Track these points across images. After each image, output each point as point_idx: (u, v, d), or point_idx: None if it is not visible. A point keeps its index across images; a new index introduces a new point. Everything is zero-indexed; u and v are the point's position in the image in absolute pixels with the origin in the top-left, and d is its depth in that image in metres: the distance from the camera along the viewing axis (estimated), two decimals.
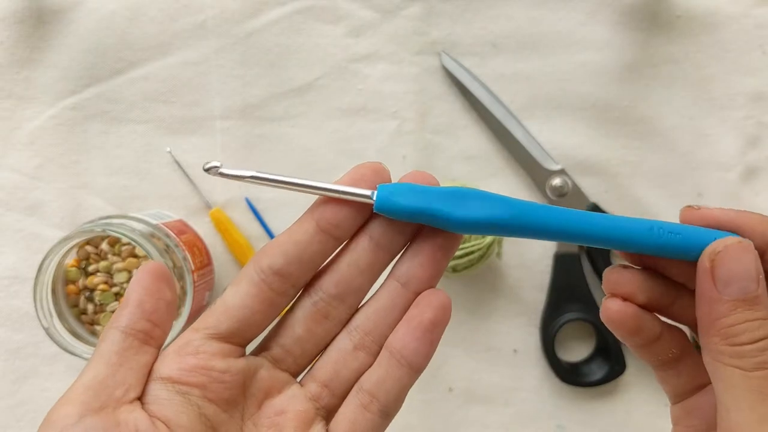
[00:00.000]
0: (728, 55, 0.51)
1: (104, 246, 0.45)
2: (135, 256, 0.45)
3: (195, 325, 0.24)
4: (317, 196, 0.25)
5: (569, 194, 0.50)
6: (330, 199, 0.25)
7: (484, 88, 0.51)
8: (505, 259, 0.51)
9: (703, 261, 0.24)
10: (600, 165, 0.51)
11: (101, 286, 0.45)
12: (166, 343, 0.26)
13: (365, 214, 0.25)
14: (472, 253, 0.46)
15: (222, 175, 0.25)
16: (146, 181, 0.52)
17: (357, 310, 0.26)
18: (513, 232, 0.25)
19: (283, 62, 0.51)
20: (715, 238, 0.24)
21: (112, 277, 0.45)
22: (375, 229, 0.25)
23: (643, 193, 0.51)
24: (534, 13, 0.51)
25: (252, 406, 0.25)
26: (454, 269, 0.47)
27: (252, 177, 0.25)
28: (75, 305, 0.45)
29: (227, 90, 0.51)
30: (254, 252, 0.51)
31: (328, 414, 0.26)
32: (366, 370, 0.26)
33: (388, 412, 0.26)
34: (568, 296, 0.50)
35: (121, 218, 0.44)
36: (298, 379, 0.26)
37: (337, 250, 0.26)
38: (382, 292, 0.26)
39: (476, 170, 0.52)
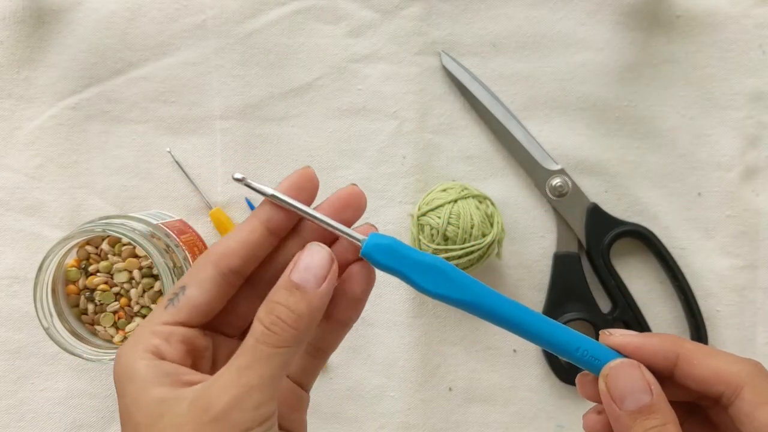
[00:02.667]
0: (728, 55, 0.51)
1: (104, 246, 0.45)
2: (135, 256, 0.45)
3: (165, 319, 0.28)
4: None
5: (569, 194, 0.51)
6: (276, 205, 0.28)
7: (484, 88, 0.51)
8: (505, 259, 0.51)
9: (600, 384, 0.28)
10: (600, 165, 0.51)
11: (101, 286, 0.45)
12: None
13: (298, 217, 0.29)
14: (472, 253, 0.46)
15: (248, 186, 0.29)
16: (146, 181, 0.52)
17: None
18: (466, 310, 0.29)
19: (283, 62, 0.51)
20: None
21: (112, 278, 0.45)
22: (306, 233, 0.29)
23: (643, 193, 0.51)
24: (534, 13, 0.51)
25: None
26: None
27: (272, 195, 0.28)
28: (75, 305, 0.45)
29: (227, 90, 0.51)
30: None
31: None
32: None
33: (327, 354, 0.31)
34: (568, 296, 0.50)
35: (121, 218, 0.44)
36: None
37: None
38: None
39: (476, 170, 0.52)
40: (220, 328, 0.30)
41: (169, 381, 0.26)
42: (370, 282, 0.30)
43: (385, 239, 0.28)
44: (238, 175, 0.29)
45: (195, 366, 0.28)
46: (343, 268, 0.29)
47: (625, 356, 0.29)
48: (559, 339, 0.29)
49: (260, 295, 0.28)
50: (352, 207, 0.29)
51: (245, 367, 0.25)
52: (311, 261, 0.27)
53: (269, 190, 0.28)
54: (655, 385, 0.27)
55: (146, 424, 0.26)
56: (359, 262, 0.29)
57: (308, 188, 0.29)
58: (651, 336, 0.29)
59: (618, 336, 0.29)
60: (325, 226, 0.28)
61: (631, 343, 0.29)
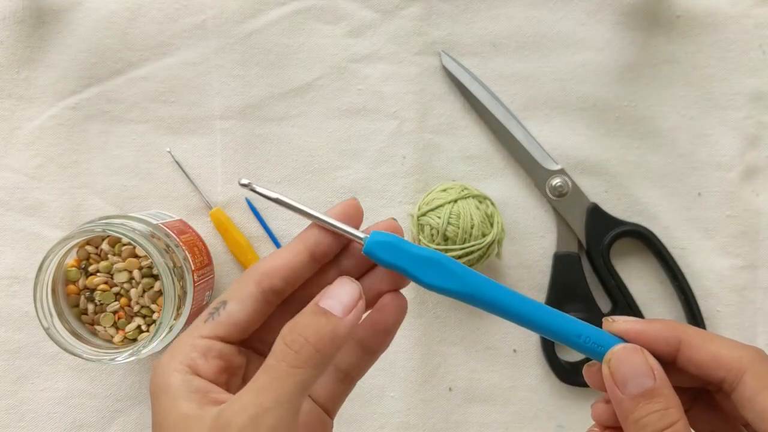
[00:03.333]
0: (728, 55, 0.51)
1: (104, 246, 0.45)
2: (135, 256, 0.45)
3: (205, 333, 0.28)
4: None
5: (569, 194, 0.51)
6: (324, 233, 0.29)
7: (484, 88, 0.51)
8: (505, 259, 0.51)
9: (604, 369, 0.28)
10: (600, 165, 0.51)
11: (101, 286, 0.45)
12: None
13: (340, 246, 0.30)
14: (471, 253, 0.46)
15: (253, 191, 0.29)
16: (146, 181, 0.52)
17: None
18: (467, 302, 0.30)
19: (283, 62, 0.51)
20: None
21: (112, 278, 0.45)
22: (344, 264, 0.30)
23: (643, 193, 0.51)
24: (534, 13, 0.51)
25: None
26: None
27: (276, 199, 0.29)
28: (75, 305, 0.45)
29: (227, 90, 0.51)
30: (254, 252, 0.51)
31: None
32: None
33: (356, 381, 0.32)
34: (568, 296, 0.50)
35: (121, 218, 0.44)
36: None
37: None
38: None
39: (476, 170, 0.52)
40: (254, 346, 0.30)
41: (197, 397, 0.26)
42: (401, 312, 0.30)
43: (387, 236, 0.29)
44: (245, 181, 0.29)
45: (228, 382, 0.28)
46: (376, 298, 0.30)
47: (628, 342, 0.29)
48: (562, 327, 0.29)
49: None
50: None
51: (263, 388, 0.25)
52: (340, 292, 0.27)
53: (274, 195, 0.29)
54: (658, 370, 0.27)
55: None
56: (392, 293, 0.30)
57: (353, 215, 0.30)
58: (653, 322, 0.29)
59: (621, 322, 0.29)
60: (328, 227, 0.29)
61: (633, 329, 0.29)
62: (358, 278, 0.30)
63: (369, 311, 0.30)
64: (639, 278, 0.52)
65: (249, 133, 0.52)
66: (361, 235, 0.29)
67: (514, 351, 0.51)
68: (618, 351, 0.28)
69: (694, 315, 0.50)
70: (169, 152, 0.51)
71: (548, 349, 0.50)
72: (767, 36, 0.51)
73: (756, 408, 0.27)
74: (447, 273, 0.29)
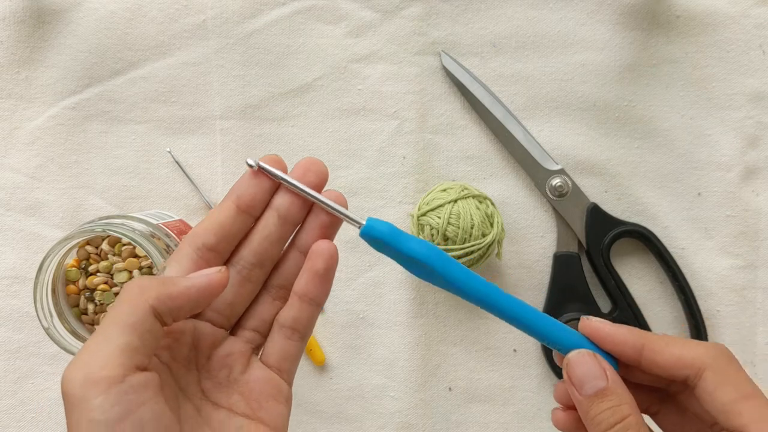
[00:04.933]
0: (728, 55, 0.51)
1: (104, 246, 0.45)
2: (135, 256, 0.45)
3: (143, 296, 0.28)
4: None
5: (569, 194, 0.51)
6: (245, 182, 0.31)
7: (484, 88, 0.51)
8: (505, 259, 0.51)
9: (564, 373, 0.31)
10: (600, 165, 0.51)
11: (101, 286, 0.45)
12: None
13: (272, 192, 0.31)
14: (471, 253, 0.46)
15: (261, 168, 0.31)
16: (146, 181, 0.52)
17: (270, 272, 0.33)
18: (447, 289, 0.31)
19: (283, 62, 0.51)
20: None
21: (112, 278, 0.45)
22: (281, 205, 0.31)
23: (643, 193, 0.51)
24: (534, 14, 0.51)
25: (203, 358, 0.31)
26: None
27: (281, 178, 0.31)
28: (75, 305, 0.45)
29: (227, 90, 0.51)
30: None
31: (259, 349, 0.33)
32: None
33: (304, 337, 0.33)
34: (568, 296, 0.50)
35: (121, 218, 0.44)
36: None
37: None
38: (289, 258, 0.33)
39: (476, 170, 0.52)
40: (210, 317, 0.32)
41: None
42: (332, 258, 0.31)
43: (381, 224, 0.31)
44: (251, 161, 0.31)
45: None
46: (309, 245, 0.32)
47: (597, 343, 0.31)
48: (532, 321, 0.31)
49: (247, 279, 0.32)
50: (313, 171, 0.31)
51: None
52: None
53: (279, 174, 0.31)
54: (610, 371, 0.30)
55: None
56: (321, 240, 0.31)
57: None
58: (620, 327, 0.31)
59: (594, 321, 0.31)
60: (329, 209, 0.31)
61: (602, 330, 0.31)
62: (294, 228, 0.32)
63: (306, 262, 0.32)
64: (639, 278, 0.52)
65: (249, 133, 0.52)
66: (359, 220, 0.31)
67: (514, 351, 0.51)
68: (573, 356, 0.31)
69: (694, 315, 0.50)
70: (169, 152, 0.51)
71: (548, 350, 0.50)
72: (767, 36, 0.51)
73: (716, 402, 0.29)
74: (430, 273, 0.31)
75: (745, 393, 0.29)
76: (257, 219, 0.31)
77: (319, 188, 0.31)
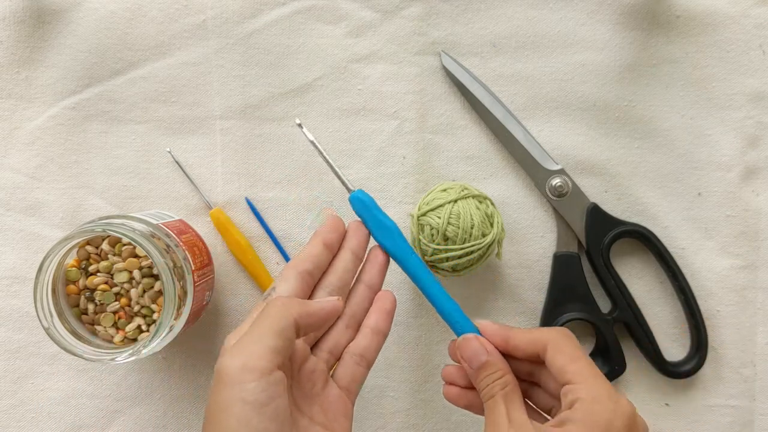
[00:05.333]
0: (728, 55, 0.51)
1: (104, 246, 0.45)
2: (135, 256, 0.45)
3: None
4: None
5: (569, 194, 0.51)
6: (327, 228, 0.41)
7: (483, 88, 0.51)
8: (505, 259, 0.51)
9: (458, 353, 0.41)
10: (600, 165, 0.51)
11: (102, 287, 0.45)
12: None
13: (344, 236, 0.42)
14: (472, 253, 0.46)
15: (300, 128, 0.43)
16: (146, 181, 0.52)
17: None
18: (397, 262, 0.43)
19: (283, 62, 0.51)
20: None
21: (112, 278, 0.45)
22: (353, 245, 0.42)
23: (643, 193, 0.51)
24: (534, 14, 0.51)
25: (295, 370, 0.38)
26: (454, 269, 0.47)
27: (311, 141, 0.43)
28: (75, 305, 0.45)
29: (227, 90, 0.51)
30: (254, 252, 0.51)
31: (331, 369, 0.40)
32: (351, 341, 0.41)
33: (370, 364, 0.40)
34: (568, 296, 0.50)
35: (121, 218, 0.44)
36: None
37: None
38: (357, 291, 0.42)
39: (476, 170, 0.52)
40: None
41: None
42: (395, 302, 0.42)
43: (366, 194, 0.42)
44: (298, 121, 0.43)
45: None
46: (373, 280, 0.42)
47: (482, 333, 0.41)
48: (444, 306, 0.42)
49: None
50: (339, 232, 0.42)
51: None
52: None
53: (310, 136, 0.43)
54: (489, 347, 0.40)
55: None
56: (387, 290, 0.42)
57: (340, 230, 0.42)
58: (493, 324, 0.41)
59: (482, 322, 0.42)
60: (335, 173, 0.42)
61: (482, 324, 0.41)
62: (360, 263, 0.42)
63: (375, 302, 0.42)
64: (639, 278, 0.52)
65: (249, 133, 0.52)
66: (350, 187, 0.42)
67: None
68: (461, 339, 0.41)
69: (694, 315, 0.50)
70: (169, 152, 0.51)
71: None
72: (767, 36, 0.51)
73: (554, 366, 0.38)
74: (390, 235, 0.42)
75: (573, 357, 0.38)
76: (335, 255, 0.41)
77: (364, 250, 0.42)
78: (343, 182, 0.42)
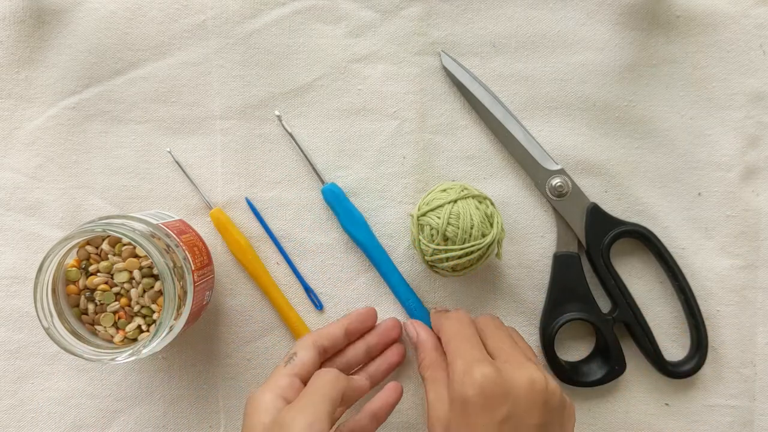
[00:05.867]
0: (728, 55, 0.51)
1: (105, 246, 0.45)
2: (135, 256, 0.45)
3: (288, 372, 0.42)
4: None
5: (569, 194, 0.51)
6: (354, 318, 0.49)
7: (483, 88, 0.51)
8: (505, 259, 0.51)
9: (405, 332, 0.50)
10: (600, 165, 0.51)
11: (102, 287, 0.45)
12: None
13: (367, 330, 0.50)
14: (471, 253, 0.46)
15: (279, 120, 0.50)
16: (146, 181, 0.52)
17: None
18: (360, 248, 0.51)
19: (284, 62, 0.51)
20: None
21: (112, 277, 0.45)
22: (371, 340, 0.49)
23: (643, 193, 0.51)
24: (534, 14, 0.51)
25: None
26: (454, 269, 0.47)
27: (289, 134, 0.51)
28: (75, 305, 0.45)
29: (227, 90, 0.52)
30: (254, 252, 0.51)
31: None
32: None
33: (379, 422, 0.46)
34: (568, 296, 0.50)
35: (121, 218, 0.44)
36: None
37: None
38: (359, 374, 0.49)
39: (476, 170, 0.52)
40: None
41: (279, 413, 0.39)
42: (399, 396, 0.47)
43: (336, 188, 0.50)
44: (277, 112, 0.49)
45: None
46: (387, 368, 0.50)
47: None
48: (401, 295, 0.51)
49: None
50: (369, 323, 0.50)
51: (310, 405, 0.38)
52: (411, 332, 0.49)
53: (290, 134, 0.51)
54: (422, 334, 0.48)
55: None
56: (393, 384, 0.48)
57: (370, 319, 0.50)
58: (436, 311, 0.50)
59: (434, 316, 0.50)
60: (307, 160, 0.50)
61: (436, 322, 0.48)
62: (370, 359, 0.49)
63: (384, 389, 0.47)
64: (639, 278, 0.52)
65: (249, 133, 0.52)
66: (324, 180, 0.50)
67: None
68: (406, 324, 0.50)
69: (694, 315, 0.50)
70: (170, 152, 0.51)
71: (548, 349, 0.50)
72: (767, 36, 0.51)
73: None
74: (357, 224, 0.50)
75: (444, 341, 0.44)
76: (351, 342, 0.48)
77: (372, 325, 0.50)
78: (317, 175, 0.49)
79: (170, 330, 0.42)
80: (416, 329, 0.48)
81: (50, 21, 0.51)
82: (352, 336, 0.48)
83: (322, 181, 0.50)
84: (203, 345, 0.52)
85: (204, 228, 0.51)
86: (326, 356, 0.46)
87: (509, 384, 0.38)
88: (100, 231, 0.42)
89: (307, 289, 0.52)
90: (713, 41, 0.51)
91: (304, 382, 0.42)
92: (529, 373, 0.39)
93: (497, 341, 0.43)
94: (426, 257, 0.47)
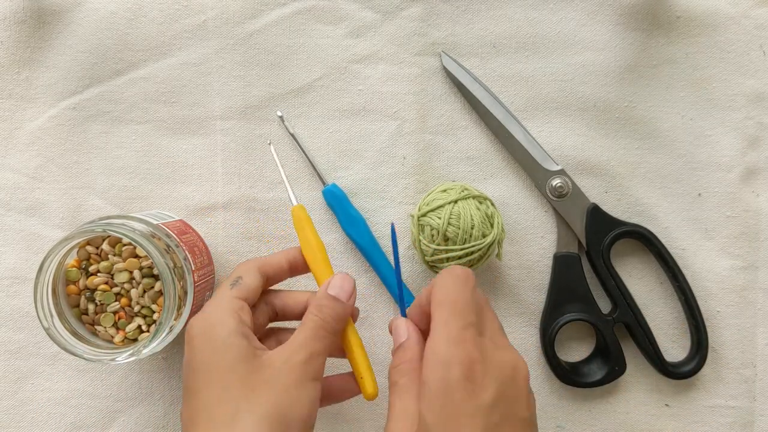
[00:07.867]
0: (728, 56, 0.51)
1: (105, 246, 0.45)
2: (136, 256, 0.45)
3: (236, 294, 0.41)
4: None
5: (569, 195, 0.51)
6: (298, 259, 0.45)
7: (484, 88, 0.51)
8: (505, 260, 0.51)
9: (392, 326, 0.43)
10: (600, 165, 0.51)
11: (102, 287, 0.45)
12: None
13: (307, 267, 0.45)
14: (472, 253, 0.46)
15: (281, 121, 0.50)
16: (147, 181, 0.52)
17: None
18: (359, 233, 0.51)
19: (284, 63, 0.52)
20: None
21: (112, 278, 0.45)
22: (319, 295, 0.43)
23: (643, 194, 0.51)
24: (534, 14, 0.51)
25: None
26: None
27: (291, 135, 0.51)
28: (76, 305, 0.45)
29: (228, 90, 0.52)
30: (324, 253, 0.45)
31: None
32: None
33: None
34: (568, 296, 0.50)
35: (121, 218, 0.44)
36: None
37: None
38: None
39: (476, 170, 0.52)
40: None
41: (246, 341, 0.38)
42: (352, 395, 0.45)
43: (337, 189, 0.50)
44: (279, 113, 0.49)
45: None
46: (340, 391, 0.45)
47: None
48: (392, 286, 0.51)
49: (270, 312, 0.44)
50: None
51: (311, 339, 0.39)
52: (343, 283, 0.42)
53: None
54: (412, 335, 0.41)
55: (230, 364, 0.38)
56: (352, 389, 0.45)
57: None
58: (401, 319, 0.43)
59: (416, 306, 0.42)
60: (309, 162, 0.51)
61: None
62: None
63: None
64: (639, 278, 0.52)
65: (249, 134, 0.52)
66: (325, 182, 0.50)
67: None
68: (392, 319, 0.43)
69: (694, 315, 0.50)
70: (269, 144, 0.48)
71: (548, 349, 0.50)
72: (767, 37, 0.51)
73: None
74: (357, 225, 0.50)
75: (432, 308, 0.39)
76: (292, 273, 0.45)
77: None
78: (319, 176, 0.50)
79: (170, 330, 0.42)
80: (404, 326, 0.41)
81: (51, 21, 0.51)
82: (296, 271, 0.44)
83: (324, 182, 0.50)
84: None
85: (204, 228, 0.51)
86: (268, 285, 0.44)
87: (496, 367, 0.35)
88: (101, 231, 0.42)
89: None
90: (713, 42, 0.51)
91: (249, 306, 0.41)
92: (514, 357, 0.36)
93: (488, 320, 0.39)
94: (426, 257, 0.47)
